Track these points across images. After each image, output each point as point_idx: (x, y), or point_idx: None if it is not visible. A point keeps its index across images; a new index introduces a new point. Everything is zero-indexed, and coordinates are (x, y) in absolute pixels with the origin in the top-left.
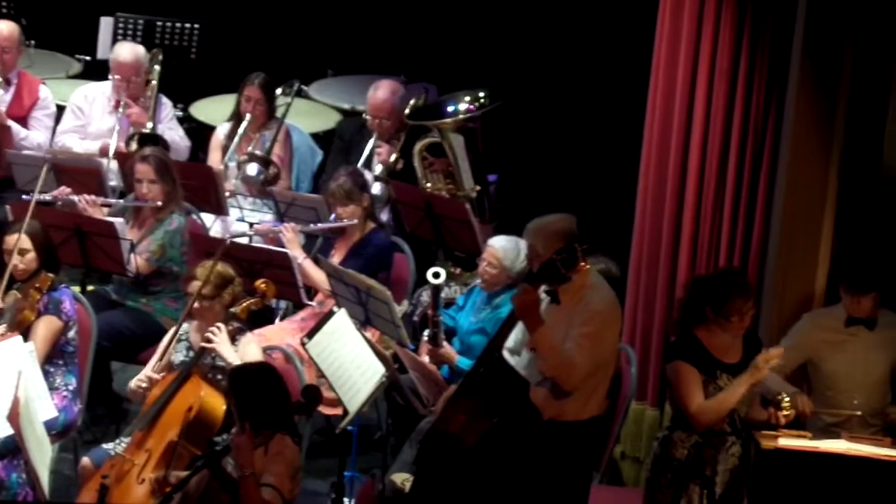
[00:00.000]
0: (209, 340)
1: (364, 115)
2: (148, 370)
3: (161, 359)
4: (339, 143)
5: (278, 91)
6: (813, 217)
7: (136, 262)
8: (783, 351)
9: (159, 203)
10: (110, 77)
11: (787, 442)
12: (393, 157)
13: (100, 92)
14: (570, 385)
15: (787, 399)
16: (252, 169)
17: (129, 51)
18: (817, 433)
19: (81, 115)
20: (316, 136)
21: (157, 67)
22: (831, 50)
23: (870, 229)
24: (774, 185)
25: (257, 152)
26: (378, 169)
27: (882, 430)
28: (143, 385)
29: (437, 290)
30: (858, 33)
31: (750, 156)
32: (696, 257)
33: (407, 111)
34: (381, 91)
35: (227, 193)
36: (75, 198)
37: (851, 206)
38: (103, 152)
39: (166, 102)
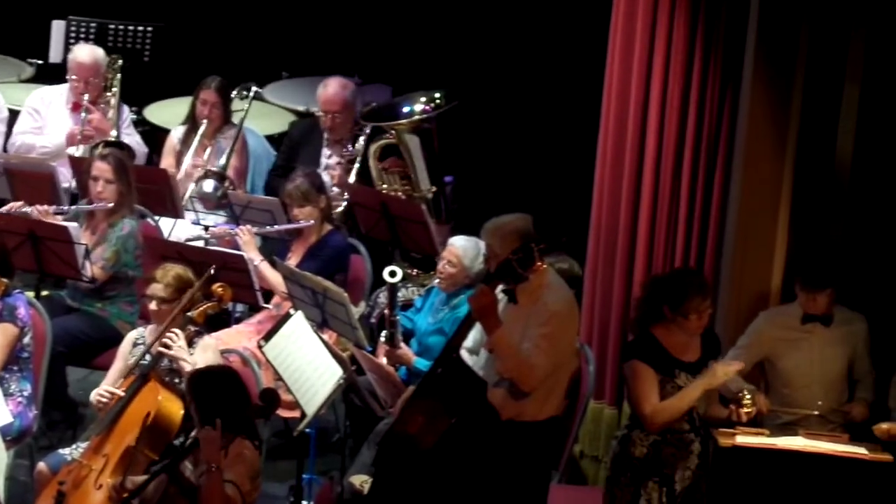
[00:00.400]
0: (167, 346)
1: (317, 113)
2: (108, 383)
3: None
4: (288, 144)
5: (233, 93)
6: (768, 215)
7: (92, 270)
8: (743, 366)
9: (111, 204)
10: (68, 78)
11: (744, 439)
12: (349, 157)
13: (57, 95)
14: (529, 385)
15: (749, 396)
16: (208, 185)
17: (87, 52)
18: (775, 430)
19: (38, 118)
20: (271, 139)
21: (118, 75)
22: (785, 47)
23: (825, 226)
24: (730, 182)
25: (213, 168)
26: (335, 172)
27: (840, 426)
28: (104, 399)
29: (393, 289)
30: (812, 30)
31: (705, 154)
32: (653, 256)
33: (361, 113)
34: (331, 86)
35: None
36: (28, 209)
37: (806, 203)
38: (71, 140)
39: (123, 108)
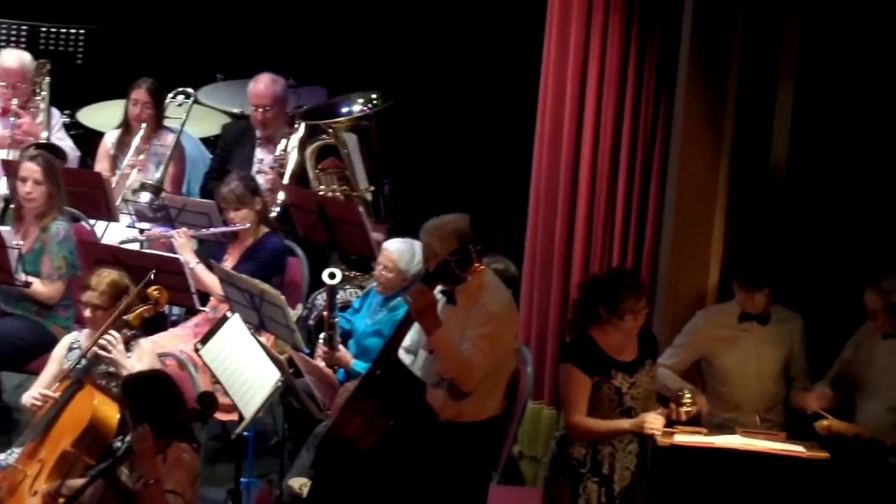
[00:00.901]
0: (105, 349)
1: (247, 110)
2: (41, 387)
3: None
4: (221, 146)
5: (169, 97)
6: (704, 214)
7: (49, 287)
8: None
9: (38, 205)
10: None
11: (682, 438)
12: (281, 155)
13: None
14: (469, 386)
15: (689, 394)
16: (144, 198)
17: (14, 58)
18: (712, 429)
19: None
20: (205, 141)
21: (47, 79)
22: (718, 49)
23: (760, 225)
24: (665, 183)
25: (149, 181)
26: (269, 174)
27: (777, 424)
28: (38, 403)
29: (332, 291)
30: (745, 32)
31: (641, 155)
32: (590, 256)
33: (296, 112)
34: (262, 81)
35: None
36: None
37: (742, 202)
38: (0, 145)
39: (54, 112)
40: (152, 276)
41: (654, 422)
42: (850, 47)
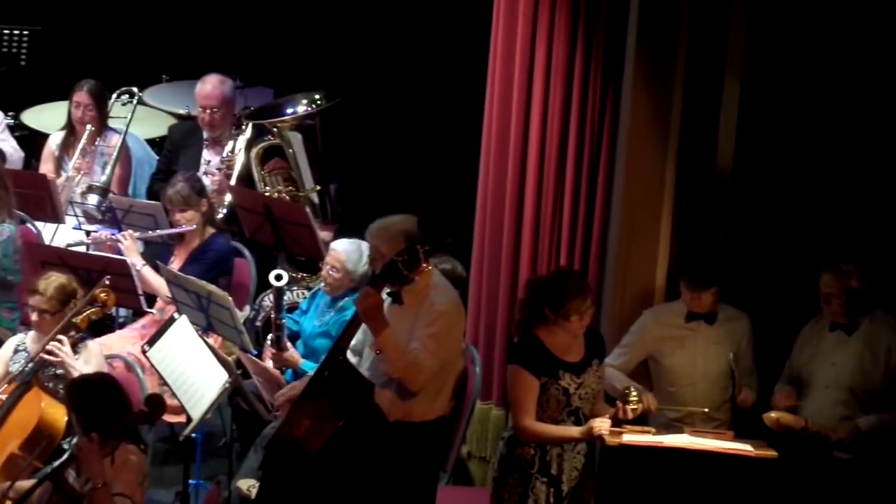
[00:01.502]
0: (52, 353)
1: (194, 111)
2: None
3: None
4: (168, 147)
5: (113, 97)
6: (651, 213)
7: None
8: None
9: None
10: None
11: (631, 438)
12: (228, 155)
13: None
14: (417, 385)
15: (636, 393)
16: (92, 199)
17: None
18: (661, 428)
19: None
20: (151, 142)
21: None
22: (664, 47)
23: (707, 224)
24: (613, 182)
25: (96, 183)
26: (216, 176)
27: (725, 423)
28: None
29: (279, 292)
30: (691, 30)
31: (588, 154)
32: (538, 256)
33: (241, 113)
34: (209, 82)
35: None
36: None
37: (689, 201)
38: None
39: None
40: (107, 281)
41: (601, 425)
42: (795, 45)
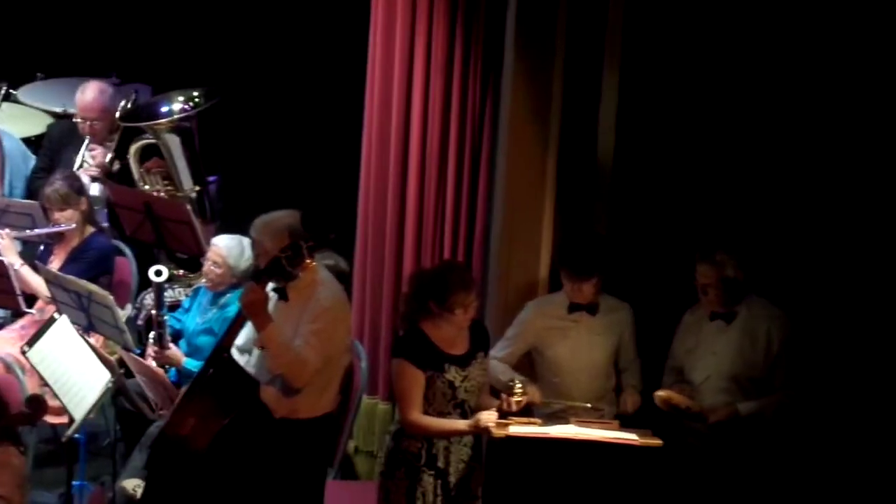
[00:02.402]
0: None
1: (74, 119)
2: None
3: None
4: (47, 146)
5: None
6: (533, 205)
7: None
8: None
9: None
10: None
11: (517, 429)
12: (108, 157)
13: None
14: (299, 382)
15: (520, 385)
16: None
17: None
18: (546, 419)
19: None
20: (28, 141)
21: None
22: (543, 39)
23: (589, 216)
24: (494, 175)
25: None
26: (95, 172)
27: (609, 413)
28: None
29: (159, 288)
30: (569, 21)
31: (469, 148)
32: (421, 250)
33: (118, 114)
34: (89, 92)
35: None
36: None
37: (570, 194)
38: None
39: None
40: None
41: (488, 417)
42: (673, 36)
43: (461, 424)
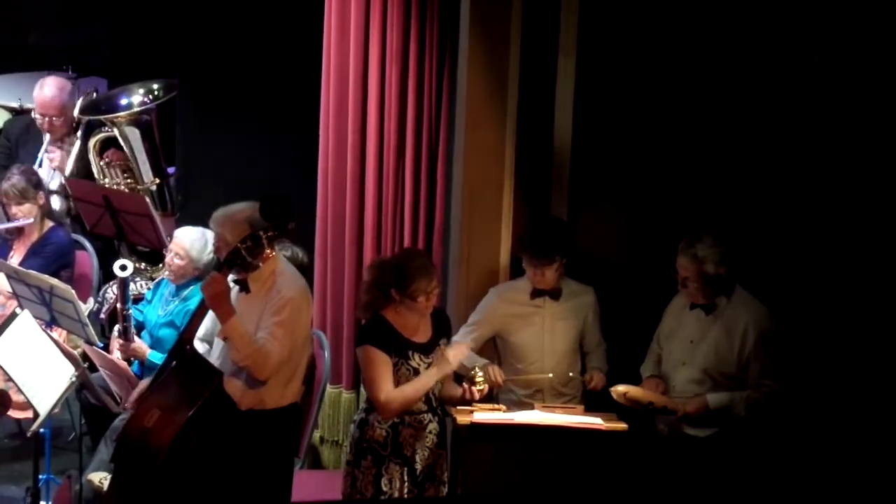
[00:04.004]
0: None
1: (32, 114)
2: None
3: None
4: (6, 143)
5: None
6: (493, 191)
7: None
8: (471, 346)
9: None
10: None
11: (481, 416)
12: (71, 161)
13: None
14: (264, 374)
15: (481, 373)
16: None
17: None
18: (511, 406)
19: None
20: None
21: None
22: (498, 24)
23: (549, 201)
24: (453, 162)
25: None
26: (52, 174)
27: (575, 398)
28: None
29: (124, 282)
30: (524, 8)
31: (427, 136)
32: (382, 237)
33: (77, 108)
34: (48, 88)
35: None
36: None
37: (530, 178)
38: None
39: None
40: None
41: (451, 353)
42: (628, 21)
43: (430, 372)
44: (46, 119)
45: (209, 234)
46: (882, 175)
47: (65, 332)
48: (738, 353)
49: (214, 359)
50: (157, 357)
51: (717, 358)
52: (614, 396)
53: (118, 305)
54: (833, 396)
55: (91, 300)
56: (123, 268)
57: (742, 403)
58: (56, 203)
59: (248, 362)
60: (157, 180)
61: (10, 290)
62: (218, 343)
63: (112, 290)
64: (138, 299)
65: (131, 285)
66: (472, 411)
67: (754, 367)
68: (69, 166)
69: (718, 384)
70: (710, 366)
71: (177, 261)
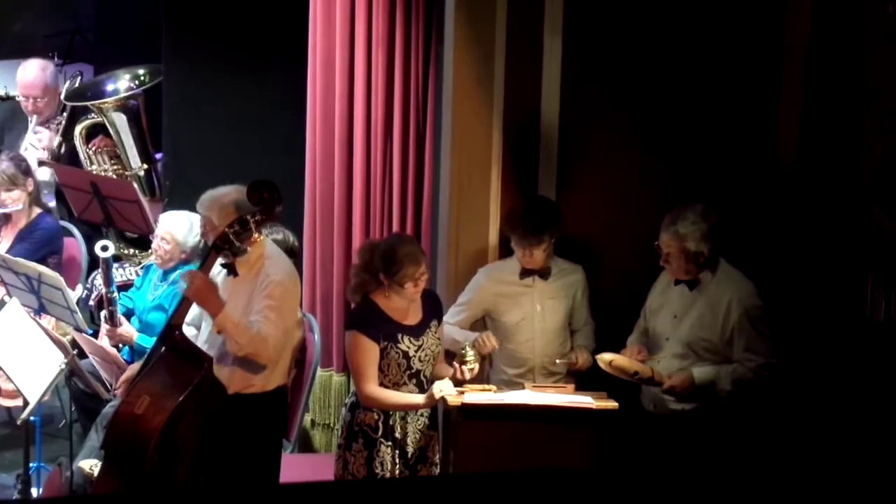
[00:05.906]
0: None
1: (17, 97)
2: None
3: None
4: None
5: None
6: (480, 172)
7: None
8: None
9: None
10: None
11: (472, 397)
12: (56, 142)
13: None
14: (266, 357)
15: (471, 352)
16: None
17: None
18: (502, 386)
19: None
20: None
21: None
22: (484, 7)
23: (536, 181)
24: (441, 145)
25: None
26: (42, 154)
27: (565, 377)
28: None
29: (107, 263)
30: None
31: (414, 119)
32: (370, 220)
33: (63, 94)
34: (30, 69)
35: None
36: None
37: (517, 159)
38: None
39: None
40: None
41: (442, 387)
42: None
43: (418, 399)
44: (30, 101)
45: (194, 218)
46: (867, 150)
47: (54, 320)
48: (721, 328)
49: (202, 342)
50: (146, 341)
51: (701, 333)
52: (600, 364)
53: (103, 289)
54: (818, 371)
55: (79, 287)
56: (105, 248)
57: (728, 378)
58: (45, 174)
59: (249, 349)
60: (145, 166)
61: None
62: (206, 327)
63: (100, 278)
64: (127, 286)
65: (120, 272)
66: (462, 392)
67: (739, 342)
68: (56, 142)
69: (702, 359)
70: (693, 341)
71: (163, 245)
